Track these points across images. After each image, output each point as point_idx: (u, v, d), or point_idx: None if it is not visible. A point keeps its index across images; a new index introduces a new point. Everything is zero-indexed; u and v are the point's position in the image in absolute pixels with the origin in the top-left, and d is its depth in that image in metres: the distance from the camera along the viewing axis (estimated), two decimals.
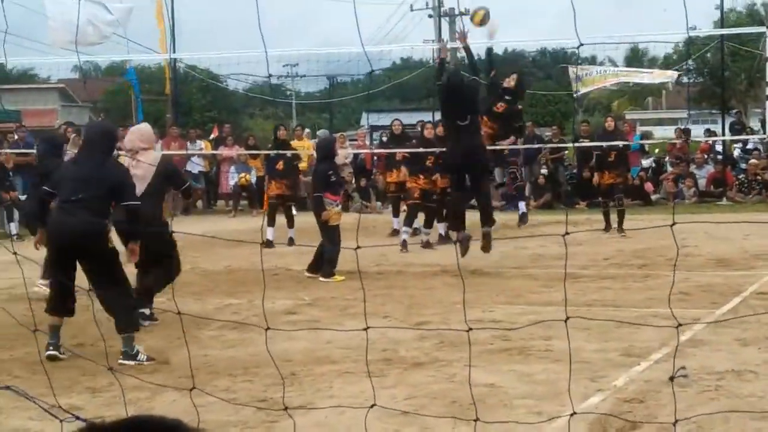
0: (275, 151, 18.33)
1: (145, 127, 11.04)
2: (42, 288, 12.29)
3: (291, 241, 17.16)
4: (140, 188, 9.56)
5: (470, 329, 5.07)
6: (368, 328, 5.05)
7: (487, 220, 13.60)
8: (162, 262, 10.12)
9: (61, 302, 8.71)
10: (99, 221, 8.56)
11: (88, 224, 8.48)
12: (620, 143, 19.04)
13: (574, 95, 29.98)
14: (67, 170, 9.07)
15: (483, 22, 16.35)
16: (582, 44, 5.24)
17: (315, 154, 15.86)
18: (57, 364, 8.44)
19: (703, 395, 6.82)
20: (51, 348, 8.67)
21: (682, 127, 35.44)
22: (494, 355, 8.44)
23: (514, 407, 6.66)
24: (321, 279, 13.25)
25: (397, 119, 18.77)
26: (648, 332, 9.05)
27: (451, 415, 6.43)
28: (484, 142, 14.44)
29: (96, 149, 8.93)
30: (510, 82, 17.27)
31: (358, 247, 4.72)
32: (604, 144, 18.72)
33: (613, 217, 18.41)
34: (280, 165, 18.19)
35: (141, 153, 10.30)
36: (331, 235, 13.54)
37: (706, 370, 7.56)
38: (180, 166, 26.51)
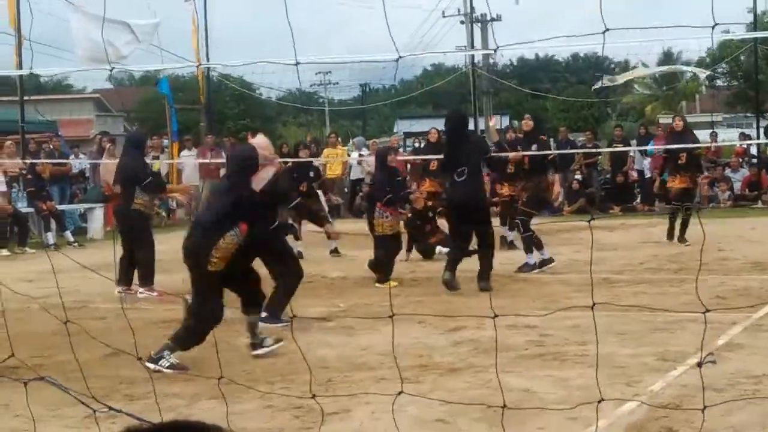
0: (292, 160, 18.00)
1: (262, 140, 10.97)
2: (144, 293, 12.57)
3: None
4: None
5: (496, 315, 5.07)
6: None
7: (483, 276, 12.75)
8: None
9: None
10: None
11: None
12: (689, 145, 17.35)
13: (600, 86, 29.65)
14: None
15: None
16: (608, 29, 5.18)
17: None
18: (93, 372, 8.50)
19: (740, 399, 6.79)
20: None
21: (716, 131, 35.29)
22: (529, 361, 8.44)
23: (550, 413, 6.66)
24: (376, 285, 13.35)
25: (434, 127, 18.46)
26: (684, 336, 9.04)
27: (486, 421, 6.45)
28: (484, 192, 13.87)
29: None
30: (528, 123, 15.35)
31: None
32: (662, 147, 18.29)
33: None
34: (303, 186, 17.83)
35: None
36: (379, 242, 13.78)
37: (743, 374, 7.53)
38: (214, 175, 26.70)
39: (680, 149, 17.00)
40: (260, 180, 9.22)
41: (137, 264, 13.09)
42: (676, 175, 17.27)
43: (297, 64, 5.33)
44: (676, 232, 17.16)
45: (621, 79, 29.64)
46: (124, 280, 13.08)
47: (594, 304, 4.95)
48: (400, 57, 5.57)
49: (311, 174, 17.81)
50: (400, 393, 5.20)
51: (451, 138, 13.37)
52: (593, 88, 32.65)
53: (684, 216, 16.95)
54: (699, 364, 6.47)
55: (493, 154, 14.51)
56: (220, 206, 8.72)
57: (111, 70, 10.94)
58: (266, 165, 9.31)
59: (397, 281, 13.38)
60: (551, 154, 14.95)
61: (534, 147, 14.67)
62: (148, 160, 15.66)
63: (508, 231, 17.19)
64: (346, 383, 7.88)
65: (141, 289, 12.89)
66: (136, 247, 13.12)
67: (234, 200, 8.58)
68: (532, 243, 14.38)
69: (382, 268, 13.55)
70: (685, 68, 30.83)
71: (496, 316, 5.11)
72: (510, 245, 16.73)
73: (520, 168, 15.04)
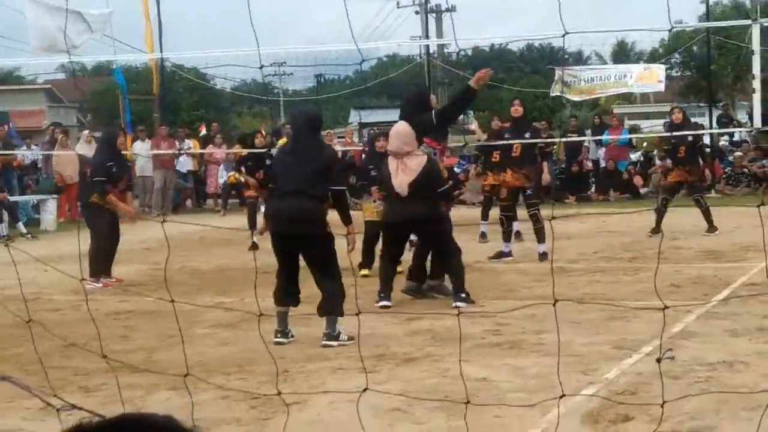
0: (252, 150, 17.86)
1: (403, 128, 10.82)
2: (91, 285, 12.50)
3: None
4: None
5: (459, 313, 5.09)
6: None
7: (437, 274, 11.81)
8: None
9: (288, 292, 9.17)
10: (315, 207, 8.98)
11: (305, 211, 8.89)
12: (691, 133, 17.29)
13: (560, 95, 29.67)
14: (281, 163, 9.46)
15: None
16: (567, 33, 5.26)
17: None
18: (50, 363, 8.43)
19: (694, 386, 6.85)
20: (279, 335, 9.11)
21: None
22: (486, 350, 8.48)
23: (507, 401, 6.68)
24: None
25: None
26: (638, 325, 9.11)
27: (445, 410, 6.46)
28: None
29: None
30: (517, 109, 14.66)
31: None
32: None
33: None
34: (259, 175, 17.67)
35: (408, 156, 10.59)
36: (365, 228, 13.33)
37: (697, 362, 7.60)
38: (168, 166, 26.57)
39: (678, 143, 16.77)
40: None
41: (89, 254, 13.05)
42: (675, 168, 17.14)
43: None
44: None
45: (581, 97, 29.58)
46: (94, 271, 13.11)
47: (556, 301, 4.97)
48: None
49: (268, 162, 17.67)
50: (365, 390, 5.19)
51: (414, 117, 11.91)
52: (551, 95, 32.57)
53: (702, 209, 16.46)
54: (658, 360, 6.52)
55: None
56: None
57: (69, 61, 10.88)
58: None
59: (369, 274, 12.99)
60: (515, 143, 14.42)
61: (528, 135, 14.47)
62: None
63: (482, 221, 17.11)
64: (303, 374, 7.88)
65: (90, 280, 12.75)
66: (91, 237, 13.16)
67: None
68: (544, 233, 14.33)
69: (364, 255, 13.33)
70: (647, 88, 30.97)
71: (459, 313, 5.11)
72: (517, 236, 16.23)
73: (507, 157, 14.60)
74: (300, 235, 8.90)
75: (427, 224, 10.68)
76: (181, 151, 27.19)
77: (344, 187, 9.79)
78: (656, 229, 15.96)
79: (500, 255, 14.67)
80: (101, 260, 13.17)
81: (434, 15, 46.70)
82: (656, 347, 8.15)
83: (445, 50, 49.99)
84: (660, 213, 16.03)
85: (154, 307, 11.01)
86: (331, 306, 8.96)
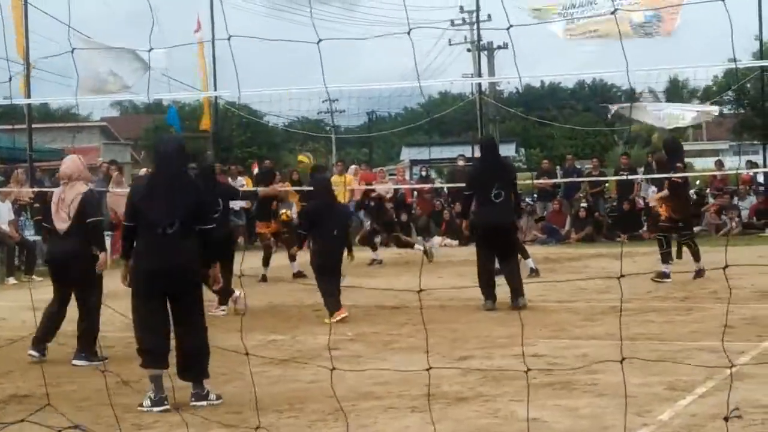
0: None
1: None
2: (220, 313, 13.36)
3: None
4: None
5: (528, 369, 5.07)
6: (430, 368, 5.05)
7: (518, 293, 13.45)
8: None
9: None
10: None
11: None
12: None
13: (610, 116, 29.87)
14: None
15: None
16: (629, 69, 5.25)
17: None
18: (102, 401, 8.50)
19: (749, 429, 6.78)
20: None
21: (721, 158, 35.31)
22: (538, 390, 8.43)
23: None
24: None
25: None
26: (692, 366, 9.01)
27: None
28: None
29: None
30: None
31: (420, 290, 4.75)
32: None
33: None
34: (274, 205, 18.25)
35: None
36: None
37: (751, 404, 7.51)
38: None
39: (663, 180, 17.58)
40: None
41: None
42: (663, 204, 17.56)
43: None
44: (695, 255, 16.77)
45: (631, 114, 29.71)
46: None
47: (623, 358, 4.95)
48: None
49: None
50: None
51: (488, 161, 14.10)
52: (609, 116, 32.80)
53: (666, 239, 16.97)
54: (726, 419, 6.44)
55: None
56: None
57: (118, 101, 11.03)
58: None
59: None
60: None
61: None
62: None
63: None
64: (354, 412, 7.87)
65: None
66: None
67: None
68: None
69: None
70: (688, 120, 30.86)
71: (528, 369, 5.11)
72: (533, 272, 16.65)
73: None
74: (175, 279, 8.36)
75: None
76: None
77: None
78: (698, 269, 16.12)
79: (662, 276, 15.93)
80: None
81: (486, 52, 46.75)
82: (710, 388, 8.10)
83: (497, 87, 50.08)
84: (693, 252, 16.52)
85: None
86: (203, 366, 8.50)
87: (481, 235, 13.78)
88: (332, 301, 12.87)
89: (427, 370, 6.26)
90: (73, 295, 10.55)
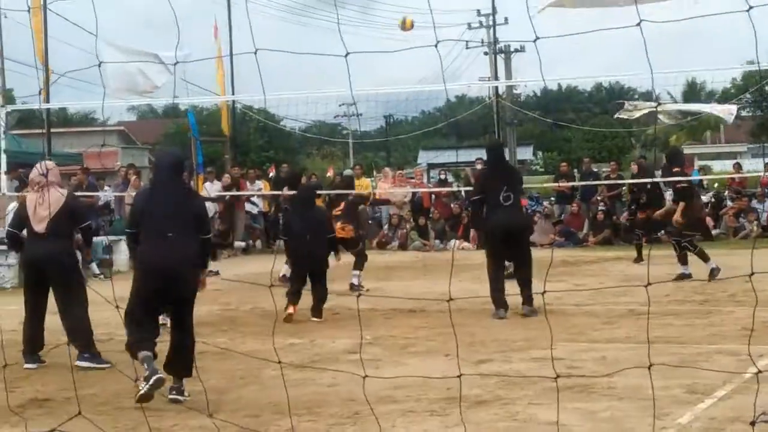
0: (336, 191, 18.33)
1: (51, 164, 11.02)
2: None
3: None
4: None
5: (558, 376, 5.07)
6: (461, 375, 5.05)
7: (528, 301, 13.34)
8: None
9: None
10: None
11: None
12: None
13: (618, 116, 30.13)
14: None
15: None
16: (654, 72, 5.24)
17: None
18: (122, 404, 8.53)
19: None
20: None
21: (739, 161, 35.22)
22: (558, 393, 8.41)
23: None
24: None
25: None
26: (712, 369, 8.99)
27: None
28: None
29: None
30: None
31: (450, 299, 4.74)
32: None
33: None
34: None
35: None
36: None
37: None
38: (239, 207, 26.73)
39: (640, 190, 19.87)
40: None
41: None
42: (639, 210, 20.05)
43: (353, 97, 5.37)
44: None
45: (637, 113, 29.70)
46: None
47: (651, 365, 4.93)
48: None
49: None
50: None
51: (496, 165, 14.17)
52: (615, 116, 32.82)
53: (637, 241, 20.27)
54: (752, 423, 6.42)
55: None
56: None
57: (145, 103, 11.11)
58: None
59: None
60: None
61: None
62: None
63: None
64: (372, 416, 7.87)
65: None
66: None
67: None
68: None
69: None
70: (708, 109, 30.88)
71: (557, 377, 5.10)
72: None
73: None
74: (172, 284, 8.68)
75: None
76: (255, 192, 27.41)
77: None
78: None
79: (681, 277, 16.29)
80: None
81: (503, 55, 46.71)
82: (729, 391, 8.08)
83: (514, 90, 50.04)
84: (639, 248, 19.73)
85: (223, 348, 11.11)
86: (190, 364, 8.76)
87: (494, 239, 13.68)
88: (290, 294, 13.53)
89: (458, 377, 6.25)
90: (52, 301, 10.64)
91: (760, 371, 7.07)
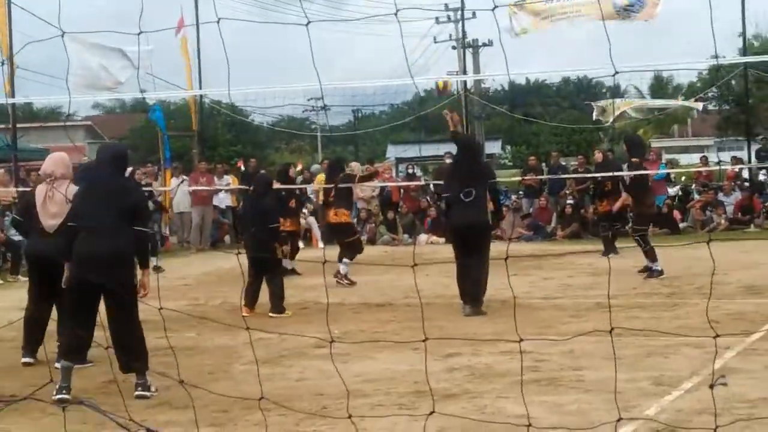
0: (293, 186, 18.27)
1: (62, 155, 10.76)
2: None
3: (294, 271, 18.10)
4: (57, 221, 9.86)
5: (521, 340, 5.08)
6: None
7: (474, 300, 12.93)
8: None
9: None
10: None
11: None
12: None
13: (607, 124, 30.40)
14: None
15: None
16: (617, 72, 5.27)
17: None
18: (128, 393, 8.49)
19: (736, 424, 6.80)
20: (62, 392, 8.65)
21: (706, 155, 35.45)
22: (525, 386, 8.44)
23: None
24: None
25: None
26: (678, 361, 9.07)
27: None
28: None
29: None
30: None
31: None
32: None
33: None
34: (292, 203, 18.21)
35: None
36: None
37: (738, 399, 7.54)
38: (207, 202, 26.64)
39: (605, 178, 19.39)
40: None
41: None
42: (602, 200, 19.89)
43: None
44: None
45: (611, 117, 30.02)
46: None
47: (612, 329, 4.97)
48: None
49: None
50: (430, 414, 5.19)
51: (460, 160, 13.84)
52: (594, 119, 33.10)
53: (604, 233, 19.95)
54: (711, 386, 6.47)
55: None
56: None
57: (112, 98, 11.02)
58: None
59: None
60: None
61: None
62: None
63: None
64: (341, 410, 7.87)
65: None
66: None
67: None
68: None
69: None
70: (674, 103, 31.15)
71: (521, 340, 5.13)
72: None
73: None
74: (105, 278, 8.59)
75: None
76: (219, 187, 27.33)
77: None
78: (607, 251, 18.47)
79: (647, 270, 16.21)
80: None
81: (471, 50, 46.70)
82: (696, 383, 8.14)
83: (482, 85, 50.11)
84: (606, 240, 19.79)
85: (192, 344, 11.11)
86: (145, 360, 8.78)
87: (454, 236, 13.58)
88: (245, 296, 13.52)
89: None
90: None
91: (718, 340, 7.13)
